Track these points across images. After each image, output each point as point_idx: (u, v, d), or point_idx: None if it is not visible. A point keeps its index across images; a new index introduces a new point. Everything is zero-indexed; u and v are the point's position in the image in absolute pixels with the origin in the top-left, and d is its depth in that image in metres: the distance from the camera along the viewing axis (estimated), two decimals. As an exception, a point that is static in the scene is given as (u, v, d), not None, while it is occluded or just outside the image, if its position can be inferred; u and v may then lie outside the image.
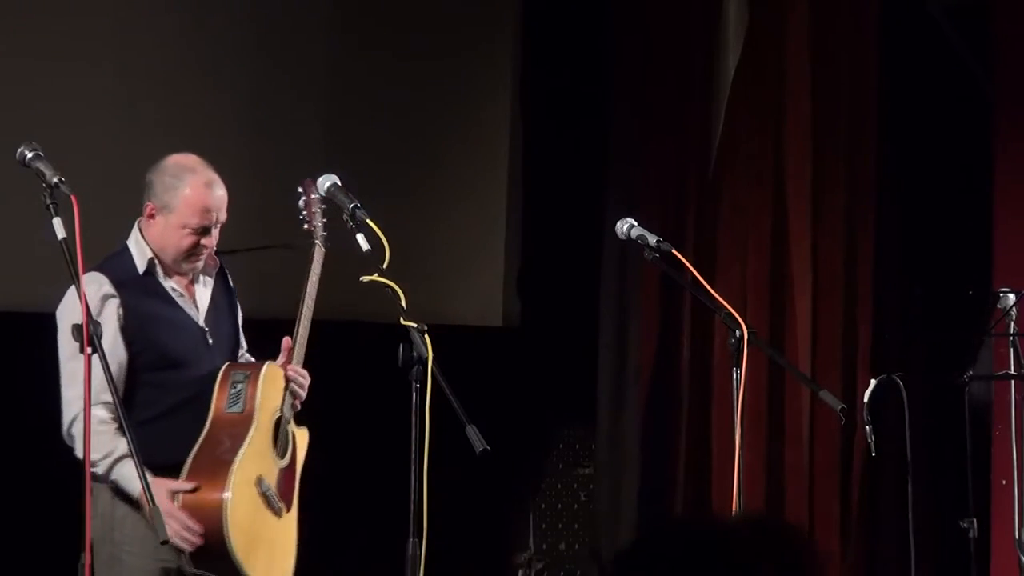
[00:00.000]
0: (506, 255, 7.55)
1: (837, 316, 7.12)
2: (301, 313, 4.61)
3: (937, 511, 6.62)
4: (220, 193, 4.44)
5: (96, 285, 4.23)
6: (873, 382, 5.71)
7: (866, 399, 5.60)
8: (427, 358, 3.68)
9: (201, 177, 4.43)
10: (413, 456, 3.71)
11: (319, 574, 6.97)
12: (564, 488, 7.71)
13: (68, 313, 4.14)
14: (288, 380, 4.54)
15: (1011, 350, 5.81)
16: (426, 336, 3.72)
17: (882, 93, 7.18)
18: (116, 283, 4.29)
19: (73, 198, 3.58)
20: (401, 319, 3.82)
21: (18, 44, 6.48)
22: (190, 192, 4.39)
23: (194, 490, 4.22)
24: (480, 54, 7.58)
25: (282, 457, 4.54)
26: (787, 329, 7.12)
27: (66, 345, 4.16)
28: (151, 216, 4.40)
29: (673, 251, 4.38)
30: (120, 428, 4.09)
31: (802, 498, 7.03)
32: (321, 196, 4.43)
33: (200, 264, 4.45)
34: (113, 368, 4.02)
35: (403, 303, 3.89)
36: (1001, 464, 6.35)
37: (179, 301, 4.44)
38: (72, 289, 4.10)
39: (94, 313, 4.07)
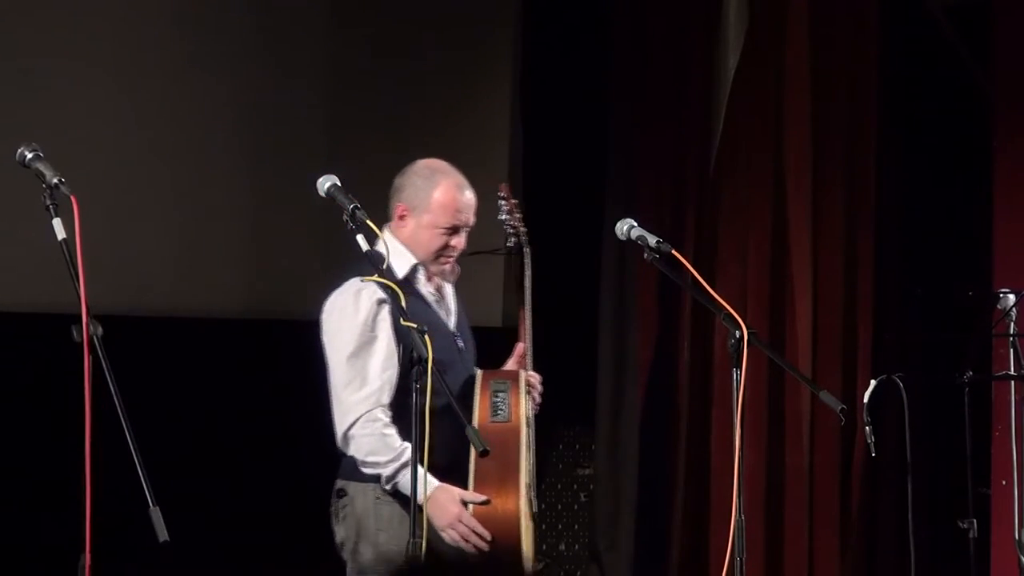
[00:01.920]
0: (506, 256, 7.54)
1: (837, 316, 7.12)
2: (527, 318, 4.61)
3: (937, 511, 6.62)
4: (470, 195, 4.53)
5: (368, 292, 4.30)
6: (873, 382, 5.71)
7: (866, 399, 5.60)
8: (427, 359, 3.67)
9: (452, 179, 4.51)
10: (413, 456, 3.70)
11: (319, 574, 6.98)
12: (564, 488, 7.72)
13: (349, 314, 4.28)
14: (529, 386, 4.52)
15: (1011, 350, 5.81)
16: (426, 337, 3.71)
17: (882, 93, 7.18)
18: (381, 289, 4.33)
19: (73, 199, 3.57)
20: (401, 320, 3.82)
21: (18, 44, 6.48)
22: (442, 192, 4.47)
23: (485, 502, 4.24)
24: (480, 54, 7.58)
25: (531, 458, 4.53)
26: (787, 329, 7.12)
27: (344, 346, 4.31)
28: (402, 217, 4.47)
29: (673, 252, 4.37)
30: (401, 432, 4.18)
31: (802, 498, 7.03)
32: (515, 201, 4.47)
33: (448, 267, 4.54)
34: (391, 373, 4.20)
35: (403, 304, 3.89)
36: (1001, 464, 6.35)
37: (435, 306, 4.52)
38: (342, 291, 4.32)
39: (371, 322, 4.24)
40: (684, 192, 7.36)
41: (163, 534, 3.47)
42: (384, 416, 4.27)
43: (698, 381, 7.22)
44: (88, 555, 3.48)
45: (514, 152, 7.59)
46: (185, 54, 6.86)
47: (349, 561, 4.45)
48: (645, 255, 4.44)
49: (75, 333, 3.51)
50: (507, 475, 4.29)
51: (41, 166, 3.66)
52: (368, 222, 3.94)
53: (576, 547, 7.68)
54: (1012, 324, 5.73)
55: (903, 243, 7.27)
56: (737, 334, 4.02)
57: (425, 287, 4.50)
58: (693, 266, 4.36)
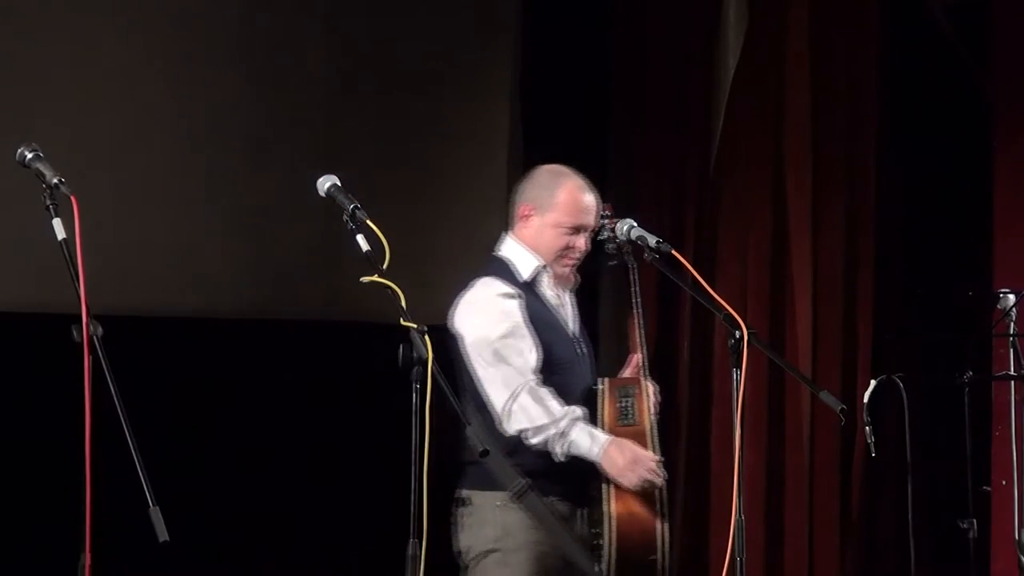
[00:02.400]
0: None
1: (837, 316, 7.12)
2: (640, 328, 4.63)
3: (937, 511, 6.62)
4: (592, 197, 4.54)
5: (496, 286, 4.40)
6: (873, 382, 5.71)
7: (866, 399, 5.60)
8: (427, 359, 3.67)
9: (576, 180, 4.54)
10: (413, 456, 3.70)
11: (319, 574, 6.99)
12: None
13: (485, 306, 4.37)
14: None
15: (1011, 350, 5.81)
16: (426, 337, 3.71)
17: (882, 93, 7.18)
18: (514, 286, 4.44)
19: (73, 199, 3.57)
20: (401, 320, 3.81)
21: (18, 44, 6.48)
22: (566, 192, 4.50)
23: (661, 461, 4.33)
24: (480, 54, 7.58)
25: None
26: (787, 329, 7.13)
27: (488, 335, 4.34)
28: (526, 217, 4.52)
29: (673, 252, 4.38)
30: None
31: (802, 498, 7.03)
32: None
33: (569, 269, 4.54)
34: (536, 355, 4.32)
35: (403, 304, 3.89)
36: (1001, 464, 6.35)
37: (557, 311, 4.54)
38: (472, 289, 4.39)
39: (513, 313, 4.34)
40: (684, 192, 7.37)
41: (163, 534, 3.47)
42: (539, 386, 4.32)
43: (698, 381, 7.23)
44: (88, 555, 3.48)
45: (513, 152, 7.59)
46: (186, 54, 6.86)
47: (471, 569, 4.45)
48: (645, 255, 4.45)
49: (75, 333, 3.50)
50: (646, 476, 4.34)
51: (41, 166, 3.66)
52: (368, 222, 3.93)
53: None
54: (1012, 324, 5.74)
55: (903, 243, 7.27)
56: (737, 334, 4.02)
57: (549, 291, 4.54)
58: (693, 266, 4.37)
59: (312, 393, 6.92)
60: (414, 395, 3.68)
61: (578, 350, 4.56)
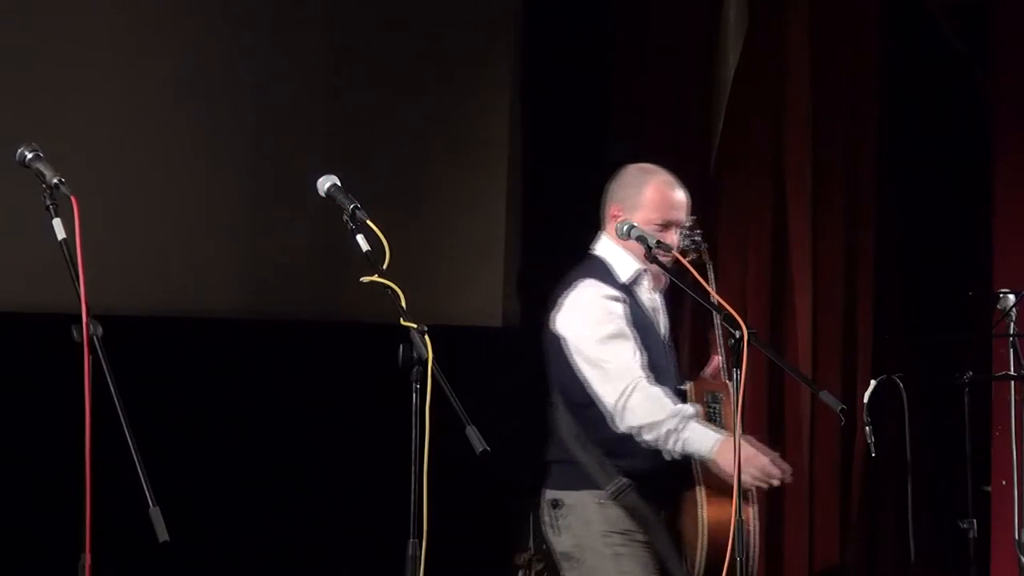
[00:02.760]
0: (506, 255, 7.55)
1: (837, 316, 7.11)
2: (719, 329, 4.67)
3: (937, 511, 6.62)
4: (682, 194, 4.58)
5: (600, 288, 4.44)
6: (873, 382, 5.71)
7: (866, 399, 5.60)
8: (427, 359, 3.67)
9: (663, 176, 4.58)
10: (413, 456, 3.70)
11: (319, 574, 6.98)
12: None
13: (590, 307, 4.40)
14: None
15: (1011, 350, 5.81)
16: (426, 337, 3.71)
17: (882, 93, 7.18)
18: (616, 289, 4.47)
19: (73, 199, 3.57)
20: (401, 320, 3.81)
21: (18, 45, 6.48)
22: (653, 189, 4.54)
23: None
24: (480, 55, 7.58)
25: None
26: (787, 329, 7.12)
27: (595, 334, 4.37)
28: (615, 217, 4.55)
29: (673, 252, 4.39)
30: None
31: (802, 498, 7.03)
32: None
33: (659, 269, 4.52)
34: (641, 355, 4.33)
35: (403, 304, 3.88)
36: (1001, 464, 6.35)
37: (652, 315, 4.57)
38: (576, 291, 4.44)
39: (618, 314, 4.36)
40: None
41: (163, 534, 3.47)
42: (651, 382, 4.33)
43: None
44: (88, 555, 3.48)
45: (514, 152, 7.59)
46: (186, 54, 6.86)
47: (575, 569, 4.47)
48: (645, 255, 4.45)
49: (75, 333, 3.50)
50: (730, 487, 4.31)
51: (41, 166, 3.66)
52: (368, 222, 3.93)
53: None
54: (1012, 324, 5.73)
55: (903, 243, 7.27)
56: (737, 334, 4.03)
57: (646, 294, 4.56)
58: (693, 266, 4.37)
59: (312, 393, 6.91)
60: (414, 395, 3.68)
61: (667, 353, 4.58)
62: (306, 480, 6.90)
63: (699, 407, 4.41)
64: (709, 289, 4.29)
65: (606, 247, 4.60)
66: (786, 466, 4.35)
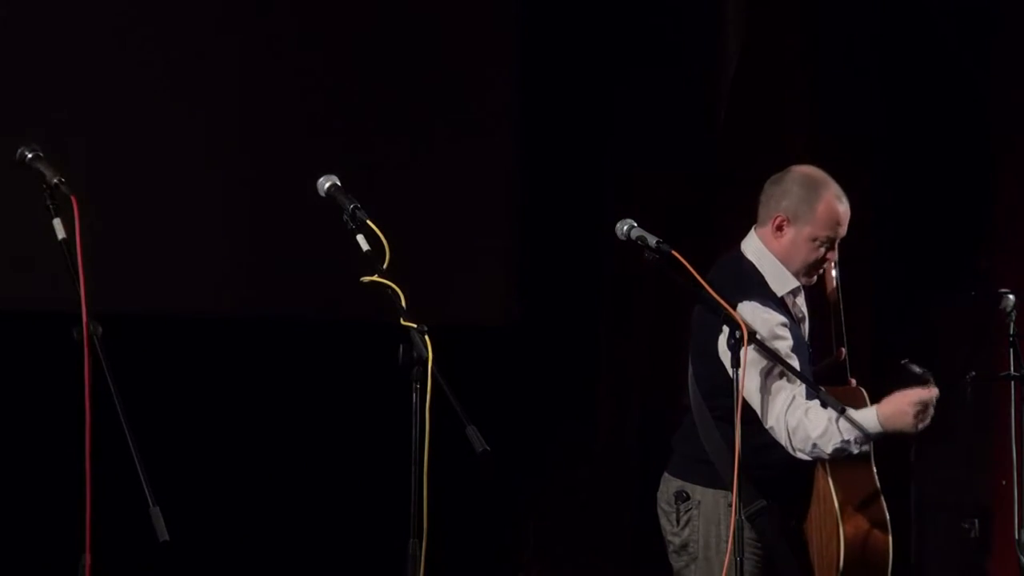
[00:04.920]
0: (506, 255, 7.56)
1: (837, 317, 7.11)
2: (842, 326, 4.61)
3: (937, 511, 6.62)
4: (847, 206, 4.47)
5: (767, 315, 4.27)
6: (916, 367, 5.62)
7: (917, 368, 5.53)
8: (427, 359, 3.67)
9: (834, 189, 4.45)
10: (413, 456, 3.70)
11: (319, 574, 6.98)
12: (564, 489, 7.71)
13: (761, 321, 4.21)
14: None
15: (1011, 350, 5.81)
16: (426, 336, 3.70)
17: (882, 93, 7.18)
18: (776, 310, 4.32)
19: (73, 199, 3.57)
20: (401, 320, 3.81)
21: (19, 45, 6.49)
22: (825, 205, 4.42)
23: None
24: (481, 53, 7.58)
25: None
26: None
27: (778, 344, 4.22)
28: (780, 228, 4.42)
29: (673, 252, 4.37)
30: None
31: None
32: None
33: (814, 279, 4.47)
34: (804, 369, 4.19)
35: (403, 303, 3.88)
36: (1001, 464, 6.35)
37: (802, 326, 4.48)
38: (754, 308, 4.25)
39: (784, 329, 4.23)
40: (684, 192, 7.37)
41: (163, 534, 3.47)
42: (806, 398, 4.22)
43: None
44: (88, 555, 3.48)
45: (515, 152, 7.59)
46: (186, 55, 6.86)
47: (694, 562, 4.41)
48: (645, 255, 4.43)
49: (75, 333, 3.50)
50: (872, 497, 4.31)
51: (41, 166, 3.65)
52: (368, 222, 3.93)
53: (576, 547, 7.67)
54: (1012, 324, 5.73)
55: (903, 243, 7.26)
56: (737, 334, 4.01)
57: (796, 307, 4.46)
58: (693, 266, 4.36)
59: (312, 393, 6.92)
60: (414, 395, 3.68)
61: (809, 359, 4.49)
62: (306, 480, 6.90)
63: (839, 405, 4.30)
64: (709, 289, 4.27)
65: (760, 254, 4.48)
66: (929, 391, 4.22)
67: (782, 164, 7.18)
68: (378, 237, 4.07)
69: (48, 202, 3.61)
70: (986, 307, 6.00)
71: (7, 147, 3.71)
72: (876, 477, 4.36)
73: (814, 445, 4.19)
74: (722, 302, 4.19)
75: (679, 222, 7.34)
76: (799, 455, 4.23)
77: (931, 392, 4.21)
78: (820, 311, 4.70)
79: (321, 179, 4.03)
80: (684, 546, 4.44)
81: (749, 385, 4.25)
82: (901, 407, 4.17)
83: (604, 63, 7.56)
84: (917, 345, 7.04)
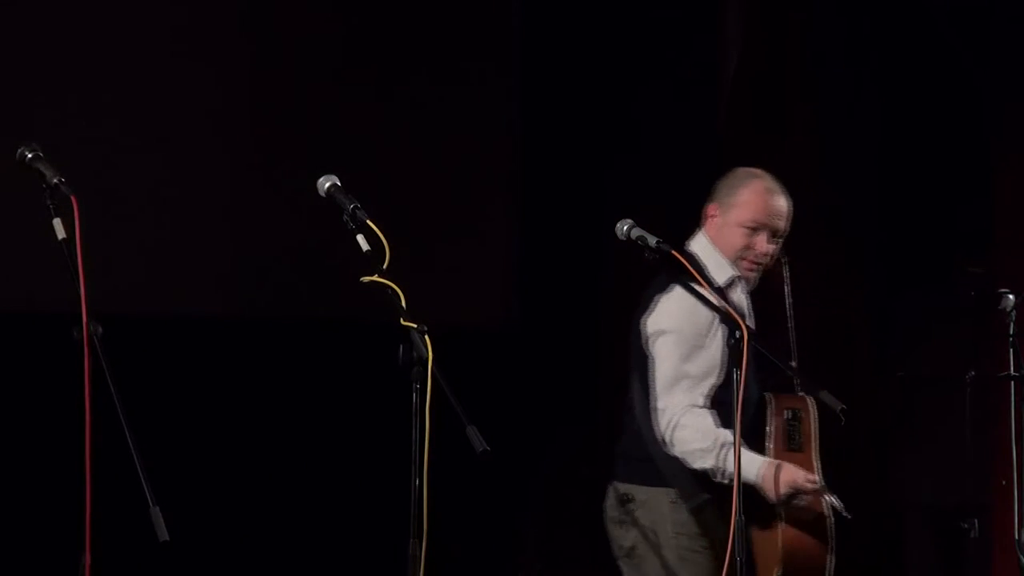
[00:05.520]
0: (506, 256, 7.56)
1: (837, 316, 7.12)
2: (792, 332, 4.68)
3: (937, 511, 6.63)
4: (781, 201, 4.52)
5: (691, 297, 4.30)
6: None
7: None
8: (427, 359, 3.67)
9: (765, 182, 4.53)
10: (413, 456, 3.70)
11: (319, 574, 6.99)
12: (564, 489, 7.71)
13: (683, 320, 4.30)
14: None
15: (1011, 350, 5.81)
16: (426, 337, 3.70)
17: (882, 93, 7.18)
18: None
19: (73, 199, 3.57)
20: (401, 320, 3.81)
21: (18, 44, 6.49)
22: (750, 191, 4.50)
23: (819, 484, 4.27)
24: (483, 54, 7.58)
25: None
26: (787, 328, 7.11)
27: (676, 349, 4.30)
28: (711, 216, 4.53)
29: (673, 252, 4.37)
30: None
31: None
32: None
33: (753, 274, 4.51)
34: (715, 378, 4.28)
35: (403, 304, 3.88)
36: (1001, 464, 6.35)
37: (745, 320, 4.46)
38: (674, 297, 4.32)
39: (705, 329, 4.29)
40: (684, 192, 7.36)
41: (163, 534, 3.47)
42: (702, 410, 4.29)
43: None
44: (88, 555, 3.48)
45: (515, 153, 7.60)
46: (187, 54, 6.87)
47: (638, 565, 4.44)
48: (645, 255, 4.43)
49: (75, 333, 3.50)
50: (817, 520, 4.29)
51: (41, 166, 3.65)
52: (368, 222, 3.93)
53: (576, 548, 7.67)
54: (1012, 324, 5.73)
55: (903, 243, 7.27)
56: (737, 334, 4.02)
57: (737, 298, 4.50)
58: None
59: (312, 393, 6.92)
60: (414, 395, 3.68)
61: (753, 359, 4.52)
62: (306, 480, 6.90)
63: (777, 421, 4.35)
64: (709, 289, 4.27)
65: (701, 245, 4.56)
66: (812, 476, 4.29)
67: (782, 164, 7.21)
68: (378, 237, 4.07)
69: (48, 202, 3.61)
70: (986, 307, 6.00)
71: (7, 147, 3.71)
72: (820, 474, 4.36)
73: (691, 452, 4.27)
74: (722, 302, 4.20)
75: (679, 222, 7.35)
76: (667, 448, 4.31)
77: (813, 487, 4.25)
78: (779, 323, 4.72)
79: (321, 179, 4.03)
80: (633, 548, 4.46)
81: (662, 366, 4.33)
82: (777, 481, 4.23)
83: (604, 65, 7.57)
84: (917, 345, 7.05)
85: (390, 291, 3.85)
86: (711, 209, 4.56)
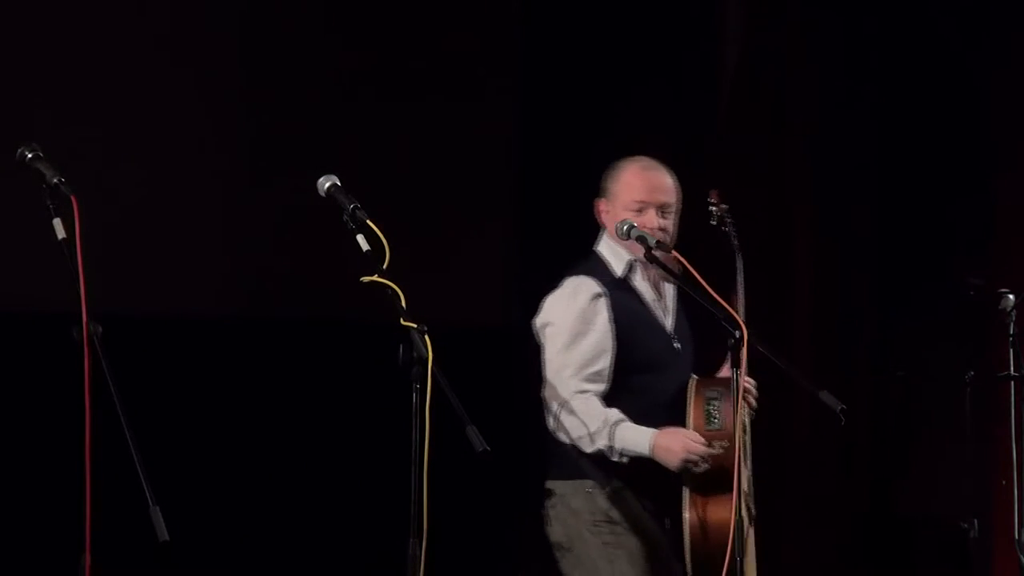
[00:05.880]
0: (506, 256, 7.55)
1: (837, 316, 7.12)
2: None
3: (936, 511, 6.62)
4: (660, 176, 4.54)
5: (585, 287, 4.43)
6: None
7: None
8: (427, 359, 3.67)
9: (641, 161, 4.56)
10: (413, 456, 3.70)
11: (319, 574, 6.99)
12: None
13: (564, 308, 4.41)
14: (745, 391, 4.43)
15: (1011, 350, 5.81)
16: (426, 336, 3.71)
17: (882, 93, 7.18)
18: (601, 283, 4.44)
19: (73, 198, 3.57)
20: (401, 320, 3.81)
21: (19, 44, 6.49)
22: (628, 172, 4.52)
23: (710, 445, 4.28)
24: (481, 53, 7.58)
25: (747, 466, 4.45)
26: (787, 329, 7.12)
27: (558, 337, 4.39)
28: (603, 211, 4.55)
29: (673, 252, 4.38)
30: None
31: (802, 497, 7.03)
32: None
33: (652, 247, 4.45)
34: (603, 362, 4.30)
35: (403, 304, 3.88)
36: (1001, 464, 6.35)
37: (652, 305, 4.53)
38: (560, 288, 4.44)
39: (586, 314, 4.35)
40: (684, 192, 7.37)
41: (163, 534, 3.47)
42: (587, 395, 4.33)
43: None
44: (88, 555, 3.48)
45: (514, 151, 7.60)
46: (187, 55, 6.87)
47: (565, 558, 4.47)
48: (645, 255, 4.44)
49: (75, 333, 3.50)
50: (722, 482, 4.25)
51: (41, 166, 3.65)
52: (368, 222, 3.93)
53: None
54: (1012, 324, 5.73)
55: (903, 243, 7.27)
56: (737, 334, 4.02)
57: (642, 284, 4.52)
58: (692, 266, 4.36)
59: (312, 393, 6.92)
60: (414, 395, 3.68)
61: (675, 346, 4.53)
62: (306, 480, 6.90)
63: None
64: (709, 289, 4.27)
65: (603, 242, 4.59)
66: (697, 437, 4.28)
67: (782, 164, 7.21)
68: (378, 237, 4.07)
69: (48, 202, 3.61)
70: (986, 307, 6.00)
71: (7, 147, 3.71)
72: (747, 454, 4.35)
73: (580, 439, 4.32)
74: (722, 302, 4.21)
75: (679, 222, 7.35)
76: (560, 438, 4.36)
77: (706, 450, 4.26)
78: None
79: (321, 179, 4.04)
80: (559, 543, 4.48)
81: (546, 358, 4.41)
82: (674, 446, 4.26)
83: (604, 64, 7.56)
84: (917, 345, 7.05)
85: (390, 291, 3.85)
86: (600, 205, 4.58)
